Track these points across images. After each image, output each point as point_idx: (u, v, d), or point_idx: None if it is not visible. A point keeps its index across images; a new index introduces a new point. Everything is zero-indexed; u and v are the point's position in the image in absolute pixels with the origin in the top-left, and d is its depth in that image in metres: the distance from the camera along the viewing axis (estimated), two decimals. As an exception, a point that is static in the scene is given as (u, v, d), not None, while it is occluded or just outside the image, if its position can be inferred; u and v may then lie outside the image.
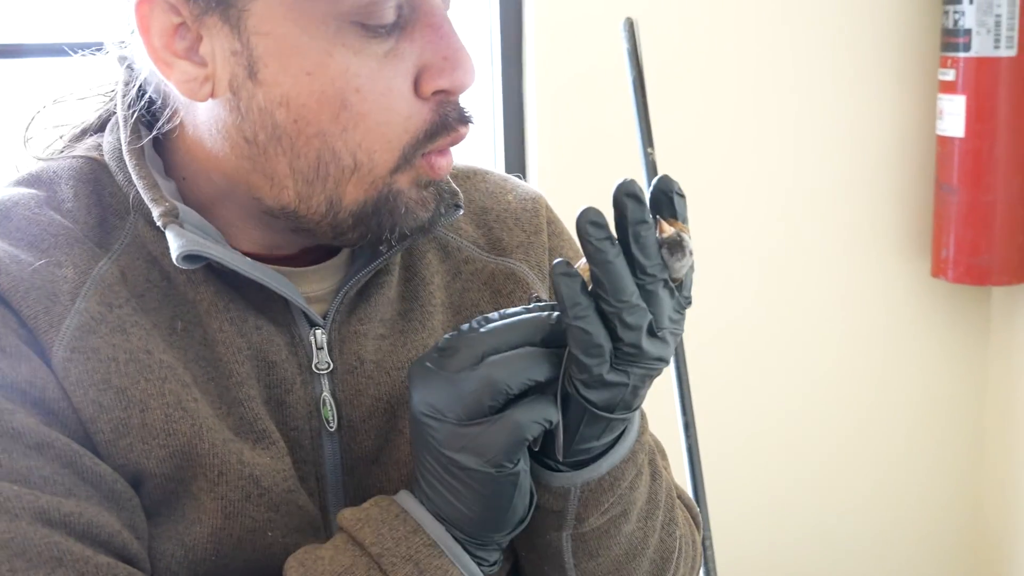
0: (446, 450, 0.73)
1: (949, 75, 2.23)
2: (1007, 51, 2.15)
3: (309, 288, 0.86)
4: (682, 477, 1.81)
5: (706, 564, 1.90)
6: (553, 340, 0.74)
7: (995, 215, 2.23)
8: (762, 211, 2.34)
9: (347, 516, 0.77)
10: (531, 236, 0.96)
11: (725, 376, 2.37)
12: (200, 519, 0.79)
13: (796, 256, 2.38)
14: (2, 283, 0.76)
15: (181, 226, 0.79)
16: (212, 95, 0.77)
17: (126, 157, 0.82)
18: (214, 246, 0.80)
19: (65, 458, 0.74)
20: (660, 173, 0.77)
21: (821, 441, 2.48)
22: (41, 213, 0.81)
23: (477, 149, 2.27)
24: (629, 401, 0.75)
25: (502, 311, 0.76)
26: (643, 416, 0.87)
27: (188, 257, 0.78)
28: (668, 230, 0.73)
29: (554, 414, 0.74)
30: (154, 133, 0.83)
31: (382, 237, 0.81)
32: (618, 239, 0.72)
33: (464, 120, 0.81)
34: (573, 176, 2.18)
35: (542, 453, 0.79)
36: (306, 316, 0.84)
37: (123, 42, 0.85)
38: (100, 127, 0.89)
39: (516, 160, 2.26)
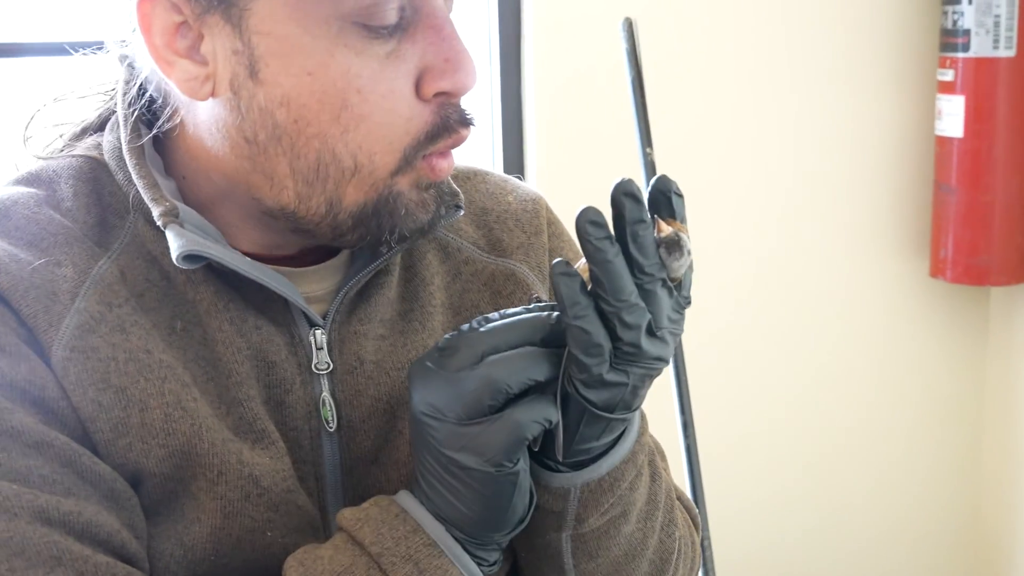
0: (446, 449, 0.73)
1: (948, 75, 2.23)
2: (1006, 51, 2.16)
3: (309, 288, 0.86)
4: (681, 477, 1.81)
5: (704, 564, 1.90)
6: (553, 340, 0.74)
7: (994, 215, 2.23)
8: (761, 211, 2.34)
9: (347, 516, 0.77)
10: (531, 237, 0.96)
11: (724, 376, 2.37)
12: (199, 519, 0.79)
13: (794, 256, 2.38)
14: (2, 282, 0.76)
15: (181, 226, 0.79)
16: (213, 94, 0.77)
17: (126, 156, 0.82)
18: (214, 246, 0.79)
19: (64, 457, 0.74)
20: (659, 173, 0.77)
21: (820, 441, 2.48)
22: (40, 212, 0.81)
23: (475, 149, 2.27)
24: (629, 401, 0.75)
25: (502, 311, 0.76)
26: (643, 417, 0.87)
27: (188, 257, 0.78)
28: (666, 230, 0.73)
29: (554, 413, 0.74)
30: (154, 132, 0.83)
31: (381, 239, 0.81)
32: (616, 239, 0.72)
33: (465, 122, 0.81)
34: (571, 176, 2.18)
35: (542, 453, 0.79)
36: (306, 316, 0.84)
37: (124, 41, 0.85)
38: (100, 126, 0.89)
39: (514, 160, 2.26)
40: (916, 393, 2.51)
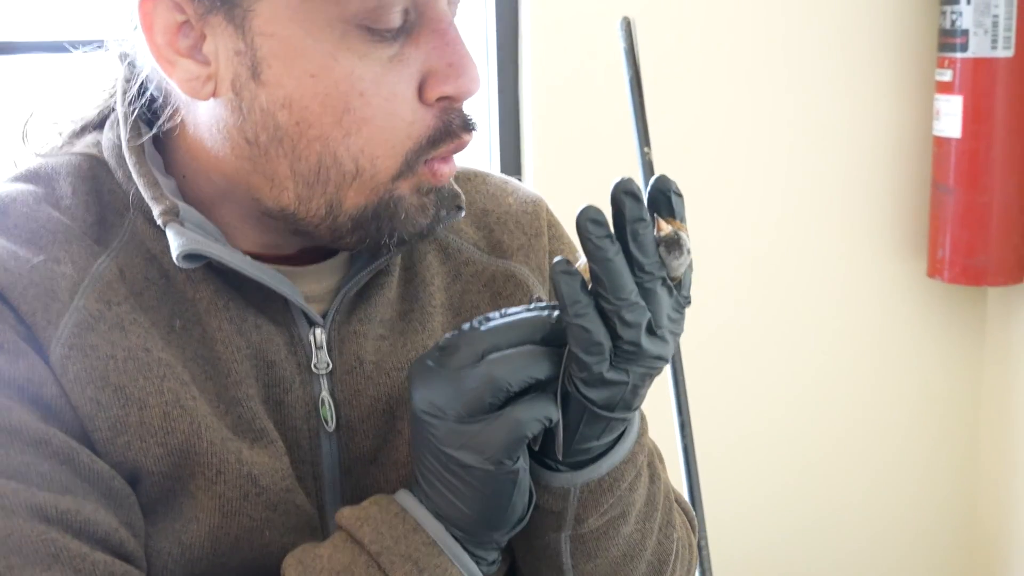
0: (446, 448, 0.73)
1: (946, 75, 2.23)
2: (1004, 52, 2.16)
3: (309, 288, 0.86)
4: (678, 477, 1.81)
5: (702, 565, 1.90)
6: (553, 339, 0.74)
7: (991, 216, 2.23)
8: (758, 211, 2.34)
9: (346, 514, 0.77)
10: (532, 239, 0.96)
11: (721, 376, 2.37)
12: (198, 517, 0.79)
13: (792, 256, 2.38)
14: (0, 279, 0.76)
15: (181, 224, 0.79)
16: (214, 94, 0.77)
17: (126, 154, 0.82)
18: (214, 245, 0.79)
19: (62, 455, 0.74)
20: (657, 173, 0.77)
21: (817, 441, 2.48)
22: (39, 210, 0.81)
23: (472, 149, 2.27)
24: (629, 400, 0.75)
25: (503, 310, 0.76)
26: (643, 418, 0.87)
27: (188, 256, 0.78)
28: (666, 229, 0.73)
29: (554, 412, 0.74)
30: (154, 131, 0.83)
31: (381, 242, 0.81)
32: (616, 237, 0.72)
33: (468, 127, 0.81)
34: (569, 176, 2.18)
35: (542, 453, 0.79)
36: (305, 316, 0.84)
37: (124, 39, 0.84)
38: (100, 123, 0.88)
39: (512, 160, 2.25)
40: (913, 393, 2.51)
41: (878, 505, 2.54)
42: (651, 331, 0.73)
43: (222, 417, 0.80)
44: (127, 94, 0.83)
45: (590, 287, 0.72)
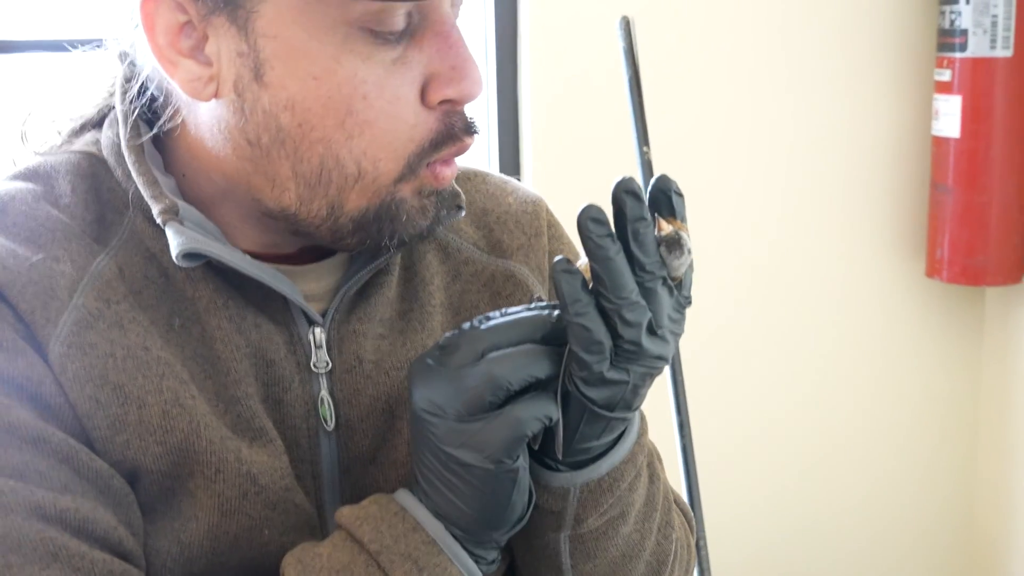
0: (446, 446, 0.73)
1: (945, 75, 2.23)
2: (1003, 51, 2.16)
3: (308, 287, 0.86)
4: (676, 478, 1.81)
5: (700, 565, 1.90)
6: (554, 338, 0.74)
7: (990, 216, 2.24)
8: (757, 211, 2.34)
9: (346, 513, 0.77)
10: (531, 239, 0.96)
11: (719, 376, 2.37)
12: (196, 516, 0.79)
13: (791, 256, 2.38)
14: (-1, 277, 0.76)
15: (181, 223, 0.79)
16: (216, 95, 0.77)
17: (125, 153, 0.82)
18: (214, 244, 0.79)
19: (61, 453, 0.74)
20: (656, 173, 0.77)
21: (815, 441, 2.48)
22: (38, 208, 0.81)
23: (472, 150, 2.26)
24: (629, 400, 0.75)
25: (503, 309, 0.76)
26: (643, 419, 0.87)
27: (188, 255, 0.78)
28: (667, 228, 0.73)
29: (554, 411, 0.74)
30: (155, 131, 0.82)
31: (381, 243, 0.81)
32: (617, 236, 0.72)
33: (470, 130, 0.81)
34: (568, 176, 2.18)
35: (542, 453, 0.79)
36: (305, 315, 0.84)
37: (124, 38, 0.84)
38: (99, 122, 0.88)
39: (511, 160, 2.25)
40: (912, 393, 2.51)
41: (876, 504, 2.54)
42: (652, 331, 0.73)
43: (221, 416, 0.80)
44: (127, 93, 0.83)
45: (591, 286, 0.72)
